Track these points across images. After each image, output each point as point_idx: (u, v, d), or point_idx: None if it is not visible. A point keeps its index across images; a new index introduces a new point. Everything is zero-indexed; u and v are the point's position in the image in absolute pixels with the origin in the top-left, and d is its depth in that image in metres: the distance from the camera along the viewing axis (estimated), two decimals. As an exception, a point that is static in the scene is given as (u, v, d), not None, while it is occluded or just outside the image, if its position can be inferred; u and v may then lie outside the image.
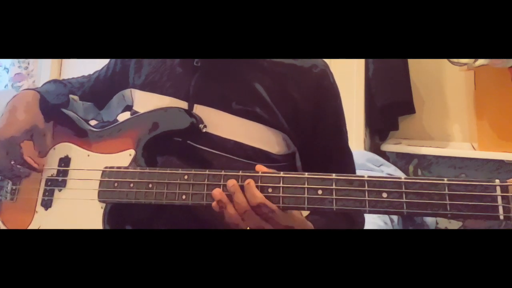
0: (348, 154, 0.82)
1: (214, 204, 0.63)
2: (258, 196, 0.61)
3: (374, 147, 1.85)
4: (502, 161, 1.55)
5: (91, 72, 1.00)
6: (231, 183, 0.62)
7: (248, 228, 0.63)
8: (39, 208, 0.78)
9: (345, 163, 0.82)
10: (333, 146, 0.80)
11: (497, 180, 0.53)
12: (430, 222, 1.66)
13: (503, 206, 0.52)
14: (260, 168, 0.64)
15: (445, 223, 1.73)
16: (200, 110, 0.76)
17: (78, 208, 0.74)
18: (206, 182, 0.65)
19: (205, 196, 0.65)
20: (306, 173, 0.61)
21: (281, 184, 0.61)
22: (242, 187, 0.62)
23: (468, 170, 1.66)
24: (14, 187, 0.83)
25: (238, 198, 0.62)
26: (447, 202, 0.54)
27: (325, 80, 0.78)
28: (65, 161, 0.80)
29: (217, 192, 0.63)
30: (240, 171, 0.64)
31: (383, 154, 1.80)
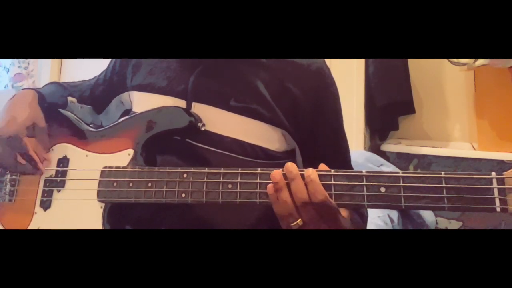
0: (346, 145, 0.83)
1: (269, 186, 0.59)
2: (322, 193, 0.57)
3: (374, 147, 1.85)
4: (502, 161, 1.55)
5: (91, 72, 1.00)
6: (292, 167, 0.58)
7: (300, 224, 0.58)
8: (38, 209, 0.78)
9: (344, 155, 0.82)
10: (333, 139, 0.80)
11: (493, 173, 0.54)
12: (430, 222, 1.66)
13: (499, 199, 0.53)
14: (323, 167, 0.60)
15: (445, 223, 1.73)
16: (198, 108, 0.76)
17: (77, 209, 0.74)
18: (205, 180, 0.66)
19: (205, 194, 0.65)
20: (305, 170, 0.61)
21: None
22: (302, 177, 0.58)
23: (468, 170, 1.66)
24: (12, 189, 0.82)
25: (298, 186, 0.58)
26: (445, 195, 0.55)
27: (323, 74, 0.79)
28: (63, 161, 0.80)
29: (277, 174, 0.59)
30: (239, 169, 0.64)
31: (383, 154, 1.80)
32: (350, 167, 0.82)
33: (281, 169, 0.60)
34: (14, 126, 0.78)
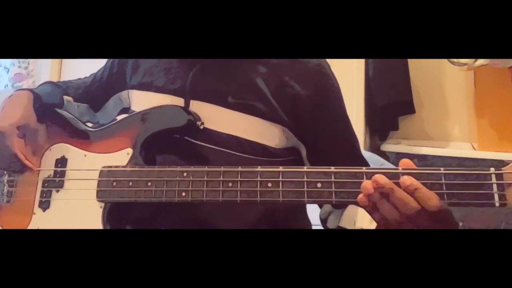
0: (353, 137, 0.81)
1: (361, 197, 0.55)
2: (436, 198, 0.53)
3: (374, 147, 1.84)
4: (502, 161, 1.55)
5: (91, 72, 0.99)
6: (383, 180, 0.54)
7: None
8: (37, 210, 0.78)
9: (351, 148, 0.81)
10: (337, 133, 0.79)
11: (492, 168, 0.54)
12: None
13: (498, 194, 0.53)
14: (407, 162, 0.57)
15: (445, 223, 1.72)
16: (196, 105, 0.76)
17: (76, 209, 0.74)
18: (205, 178, 0.66)
19: (205, 193, 0.65)
20: (305, 167, 0.62)
21: (280, 179, 0.62)
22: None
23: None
24: (10, 189, 0.81)
25: (401, 194, 0.53)
26: (444, 191, 0.55)
27: (323, 69, 0.78)
28: (61, 161, 0.79)
29: (369, 185, 0.54)
30: (240, 167, 0.64)
31: (383, 154, 1.79)
32: (362, 160, 0.81)
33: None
34: (5, 124, 0.78)
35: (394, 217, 0.55)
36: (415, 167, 0.57)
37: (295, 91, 0.75)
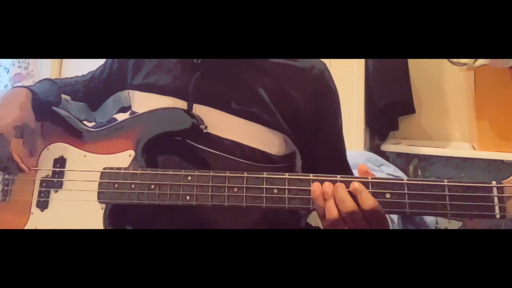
0: (343, 146, 0.84)
1: (317, 191, 0.59)
2: (371, 200, 0.58)
3: (374, 147, 1.84)
4: (502, 161, 1.55)
5: (88, 71, 0.99)
6: (340, 187, 0.58)
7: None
8: (35, 209, 0.77)
9: (341, 156, 0.83)
10: (332, 143, 0.81)
11: (493, 182, 0.56)
12: (430, 222, 1.66)
13: (499, 206, 0.55)
14: (363, 167, 0.61)
15: (445, 223, 1.73)
16: (199, 109, 0.76)
17: (76, 209, 0.74)
18: (210, 183, 0.65)
19: (210, 197, 0.65)
20: (311, 175, 0.62)
21: (286, 186, 0.62)
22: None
23: (468, 170, 1.66)
24: (6, 188, 0.80)
25: (344, 196, 0.58)
26: (447, 202, 0.57)
27: (324, 80, 0.79)
28: (60, 161, 0.79)
29: (327, 187, 0.59)
30: (245, 173, 0.64)
31: (383, 154, 1.80)
32: (348, 167, 0.83)
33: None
34: (3, 125, 0.75)
35: (334, 215, 0.58)
36: (370, 173, 0.61)
37: (296, 103, 0.76)
